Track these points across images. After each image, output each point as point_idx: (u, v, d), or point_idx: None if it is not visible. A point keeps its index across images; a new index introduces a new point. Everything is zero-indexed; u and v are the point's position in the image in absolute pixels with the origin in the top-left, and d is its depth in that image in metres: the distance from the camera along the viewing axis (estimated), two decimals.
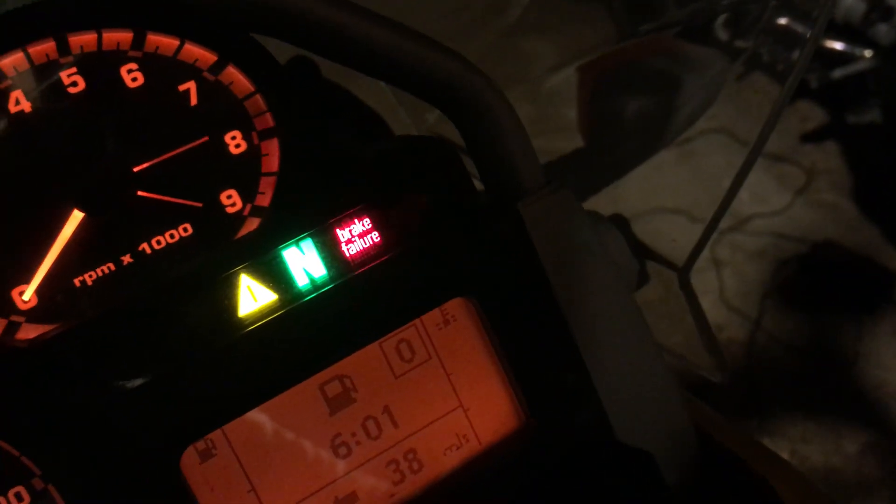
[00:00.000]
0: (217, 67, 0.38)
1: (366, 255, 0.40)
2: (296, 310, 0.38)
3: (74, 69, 0.36)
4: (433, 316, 0.41)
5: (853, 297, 2.43)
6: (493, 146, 0.44)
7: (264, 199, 0.39)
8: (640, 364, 0.46)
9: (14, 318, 0.35)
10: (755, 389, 2.24)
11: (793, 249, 2.54)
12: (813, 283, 2.47)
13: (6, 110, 0.35)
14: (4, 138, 0.35)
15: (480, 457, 0.42)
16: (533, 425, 0.44)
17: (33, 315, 0.36)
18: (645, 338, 0.47)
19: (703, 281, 2.46)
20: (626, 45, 0.74)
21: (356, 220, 0.39)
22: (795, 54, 2.44)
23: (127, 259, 0.37)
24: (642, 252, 0.58)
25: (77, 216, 0.36)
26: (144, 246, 0.37)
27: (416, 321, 0.40)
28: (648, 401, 0.47)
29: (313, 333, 0.39)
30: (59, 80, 0.36)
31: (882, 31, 2.47)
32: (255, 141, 0.39)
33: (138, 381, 0.35)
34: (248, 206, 0.39)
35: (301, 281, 0.39)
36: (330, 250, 0.39)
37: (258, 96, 0.39)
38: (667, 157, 2.55)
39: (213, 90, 0.38)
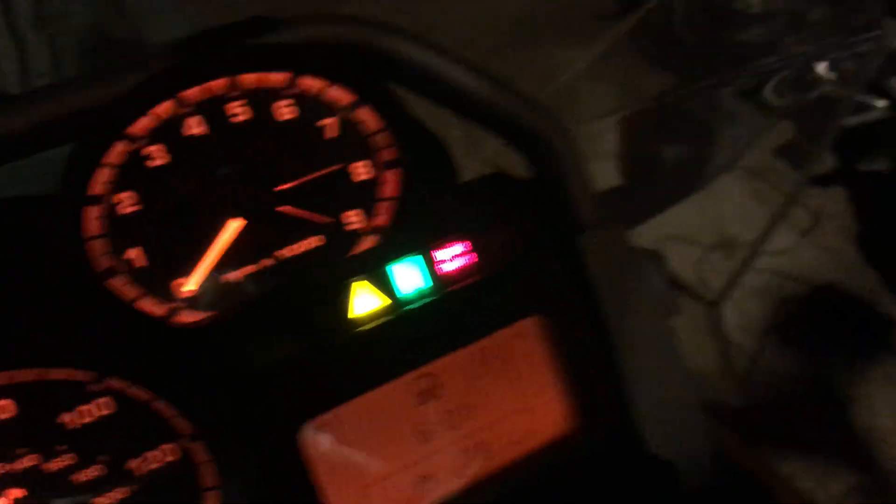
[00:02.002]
0: (354, 106, 0.46)
1: (460, 275, 0.47)
2: (400, 316, 0.46)
3: (240, 101, 0.44)
4: (511, 329, 0.48)
5: (850, 341, 2.46)
6: (557, 186, 0.52)
7: (382, 220, 0.46)
8: (671, 386, 0.54)
9: (175, 304, 0.43)
10: (749, 423, 2.28)
11: (795, 290, 2.58)
12: (812, 324, 2.51)
13: (184, 132, 0.43)
14: (182, 156, 0.43)
15: (538, 452, 0.50)
16: (581, 430, 0.51)
17: (191, 303, 0.43)
18: (677, 364, 0.54)
19: (704, 314, 2.52)
20: (669, 97, 0.82)
21: (455, 245, 0.47)
22: (848, 121, 2.52)
23: (267, 262, 0.44)
24: (680, 285, 0.65)
25: (234, 224, 0.43)
26: (281, 253, 0.45)
27: (496, 333, 0.48)
28: (675, 419, 0.54)
29: (412, 337, 0.46)
30: (227, 111, 0.43)
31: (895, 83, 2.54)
32: (380, 170, 0.46)
33: (273, 367, 0.43)
34: (369, 225, 0.46)
35: (406, 292, 0.46)
36: (432, 268, 0.46)
37: (385, 133, 0.46)
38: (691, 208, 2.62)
39: (349, 125, 0.46)
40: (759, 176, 2.72)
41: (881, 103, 2.65)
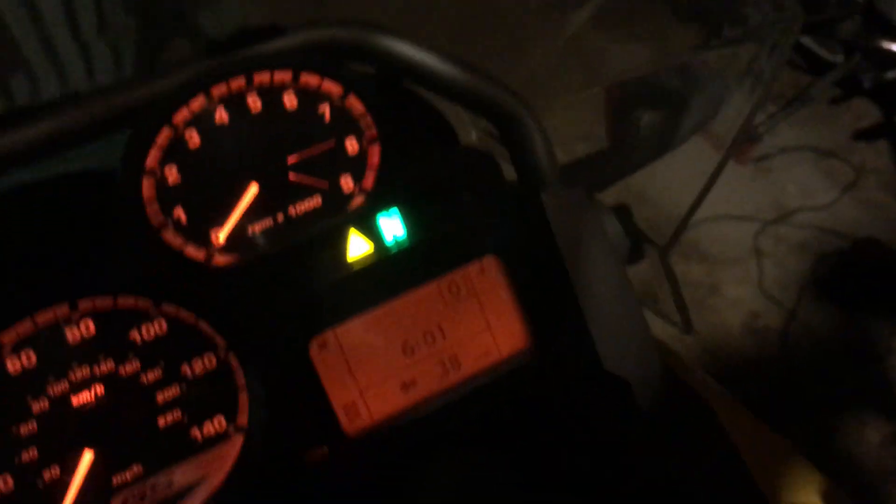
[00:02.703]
0: (342, 96, 0.58)
1: (433, 225, 0.60)
2: (384, 257, 0.59)
3: (255, 94, 0.57)
4: (473, 266, 0.61)
5: (890, 295, 2.50)
6: (523, 151, 0.64)
7: (368, 184, 0.59)
8: (623, 314, 0.65)
9: (210, 250, 0.57)
10: (785, 376, 2.35)
11: (835, 245, 2.63)
12: (852, 278, 2.55)
13: (213, 120, 0.56)
14: (212, 137, 0.56)
15: (500, 363, 0.62)
16: (538, 347, 0.63)
17: (222, 249, 0.57)
18: (628, 295, 0.66)
19: (744, 270, 2.58)
20: (651, 71, 0.92)
21: (429, 202, 0.60)
22: (889, 74, 2.55)
23: (280, 218, 0.58)
24: (638, 234, 0.77)
25: (253, 189, 0.57)
26: (291, 210, 0.58)
27: (462, 269, 0.60)
28: (628, 342, 0.65)
29: (394, 273, 0.59)
30: (246, 102, 0.57)
31: None
32: (364, 145, 0.59)
33: (287, 296, 0.56)
34: (358, 188, 0.59)
35: (388, 238, 0.59)
36: (408, 220, 0.59)
37: (368, 116, 0.59)
38: (743, 172, 2.71)
39: (339, 110, 0.58)
40: (830, 154, 2.75)
41: None
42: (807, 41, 2.89)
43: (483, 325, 0.61)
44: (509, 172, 0.67)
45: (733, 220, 2.68)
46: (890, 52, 2.63)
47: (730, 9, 0.88)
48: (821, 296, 2.53)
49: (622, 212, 0.74)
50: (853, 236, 2.65)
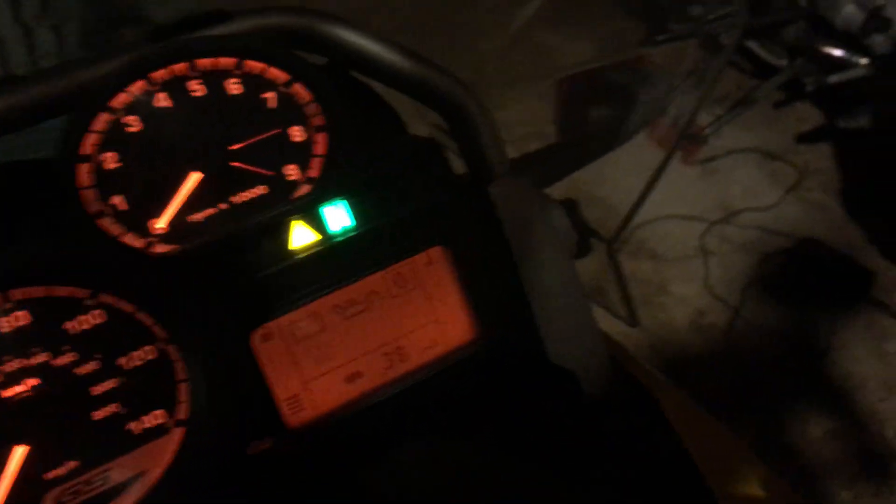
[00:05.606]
0: (288, 84, 0.57)
1: (379, 215, 0.59)
2: (329, 247, 0.58)
3: (198, 79, 0.55)
4: (420, 257, 0.60)
5: (832, 293, 2.56)
6: (471, 143, 0.64)
7: (314, 172, 0.58)
8: (570, 306, 0.66)
9: (150, 239, 0.55)
10: (730, 372, 2.39)
11: (778, 244, 2.69)
12: (794, 277, 2.61)
13: (154, 105, 0.55)
14: (153, 123, 0.55)
15: (446, 356, 0.62)
16: (485, 339, 0.63)
17: (163, 238, 0.55)
18: (575, 288, 0.66)
19: (690, 268, 2.63)
20: (600, 65, 0.93)
21: (376, 191, 0.59)
22: (831, 78, 2.62)
23: (223, 206, 0.56)
24: (584, 228, 0.77)
25: (195, 176, 0.55)
26: (234, 199, 0.57)
27: (409, 259, 0.60)
28: (575, 334, 0.66)
29: (339, 263, 0.58)
30: (188, 87, 0.55)
31: (878, 40, 2.61)
32: (311, 133, 0.58)
33: (230, 286, 0.55)
34: (303, 177, 0.58)
35: (334, 228, 0.58)
36: (355, 209, 0.59)
37: (314, 104, 0.58)
38: (690, 173, 2.76)
39: (285, 98, 0.57)
40: (774, 156, 2.82)
41: (864, 61, 2.73)
42: (752, 45, 2.96)
43: (430, 316, 0.61)
44: (459, 167, 0.67)
45: (680, 219, 2.72)
46: (832, 56, 2.70)
47: (676, 4, 0.89)
48: (764, 294, 2.58)
49: (569, 206, 0.74)
50: (796, 236, 2.71)
